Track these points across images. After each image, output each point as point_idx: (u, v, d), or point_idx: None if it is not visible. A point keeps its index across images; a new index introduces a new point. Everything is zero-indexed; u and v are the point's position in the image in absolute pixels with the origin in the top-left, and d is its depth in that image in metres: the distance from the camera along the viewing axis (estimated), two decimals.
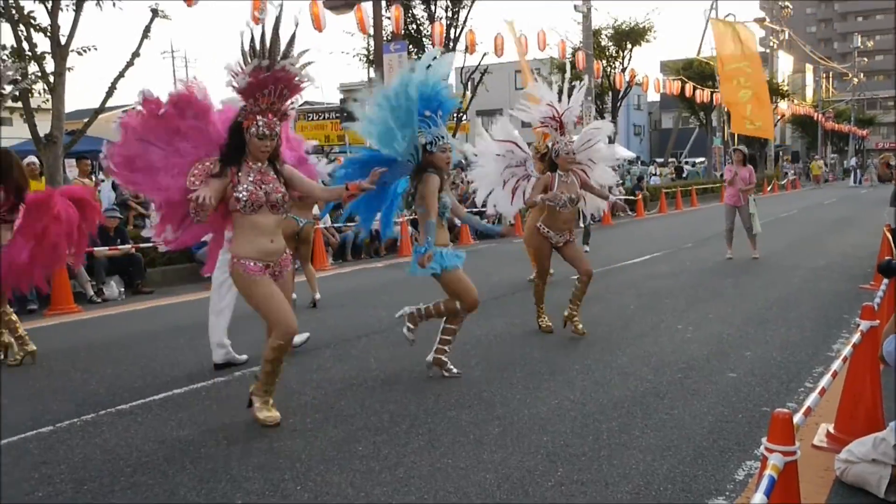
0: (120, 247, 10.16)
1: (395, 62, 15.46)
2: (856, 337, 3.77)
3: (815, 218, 20.04)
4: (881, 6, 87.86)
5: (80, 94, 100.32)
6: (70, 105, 11.72)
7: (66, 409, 4.87)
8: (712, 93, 31.33)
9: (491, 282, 9.59)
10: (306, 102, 25.46)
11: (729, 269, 10.64)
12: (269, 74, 3.98)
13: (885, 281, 5.20)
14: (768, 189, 35.80)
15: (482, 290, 7.78)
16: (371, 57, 20.16)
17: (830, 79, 63.48)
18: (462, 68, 22.31)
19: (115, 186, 11.85)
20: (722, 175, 21.20)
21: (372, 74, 20.60)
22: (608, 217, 19.58)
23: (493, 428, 4.27)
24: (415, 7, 21.59)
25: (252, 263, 4.15)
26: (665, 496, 3.39)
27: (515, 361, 5.74)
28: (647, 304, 8.01)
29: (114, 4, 12.00)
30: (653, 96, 49.10)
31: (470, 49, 18.99)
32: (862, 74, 63.67)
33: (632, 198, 20.77)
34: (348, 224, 13.65)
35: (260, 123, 4.04)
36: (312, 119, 26.33)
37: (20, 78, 10.68)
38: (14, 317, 6.28)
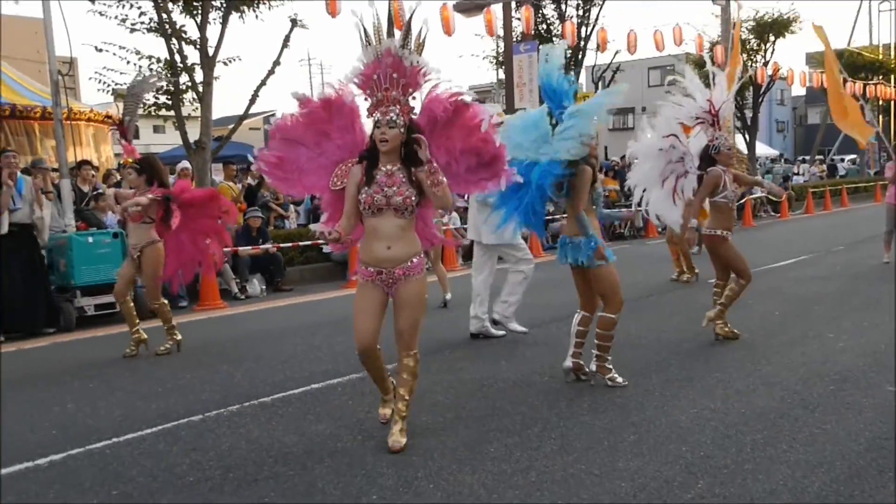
0: (262, 246, 10.67)
1: (525, 63, 15.37)
2: None
3: None
4: None
5: (224, 102, 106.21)
6: (215, 113, 12.39)
7: (214, 399, 5.14)
8: (864, 85, 29.26)
9: (625, 283, 9.28)
10: None
11: (887, 274, 9.85)
12: (378, 62, 3.92)
13: None
14: None
15: None
16: (500, 59, 20.20)
17: None
18: (593, 67, 21.95)
19: (257, 188, 12.43)
20: (877, 173, 19.71)
21: (501, 76, 20.65)
22: (749, 217, 18.70)
23: (628, 435, 4.15)
24: (545, 7, 21.41)
25: (364, 268, 4.06)
26: None
27: (650, 367, 5.55)
28: (794, 311, 7.55)
29: (256, 16, 12.56)
30: (797, 90, 46.33)
31: (601, 47, 18.66)
32: None
33: (775, 198, 19.69)
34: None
35: (378, 112, 3.95)
36: None
37: (164, 84, 11.46)
38: (168, 308, 6.77)
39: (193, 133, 11.96)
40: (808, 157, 38.18)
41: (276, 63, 12.33)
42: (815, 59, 40.08)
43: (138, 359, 6.50)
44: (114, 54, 11.66)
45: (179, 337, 6.75)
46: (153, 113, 12.52)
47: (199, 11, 11.68)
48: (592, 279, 5.07)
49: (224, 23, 11.94)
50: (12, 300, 7.85)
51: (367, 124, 4.15)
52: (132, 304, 6.66)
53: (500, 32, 17.67)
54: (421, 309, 4.13)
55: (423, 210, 4.16)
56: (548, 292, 8.31)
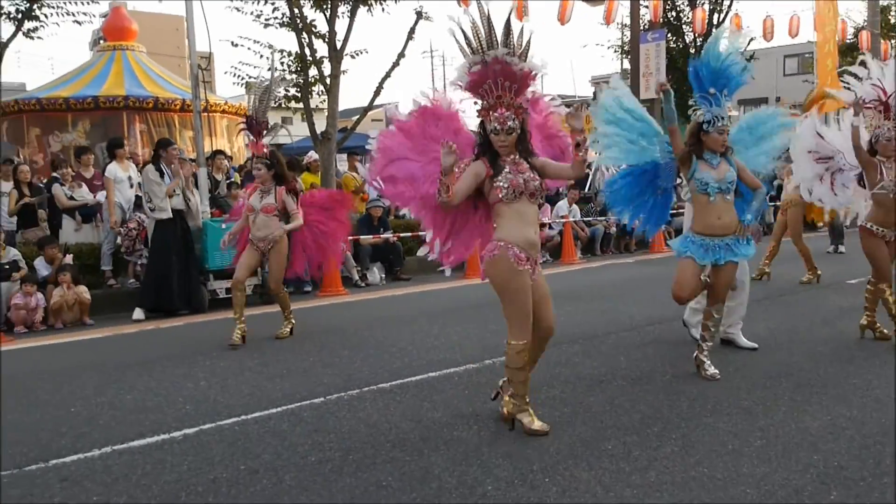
0: (382, 235, 10.90)
1: (653, 51, 14.96)
2: None
3: None
4: None
5: (348, 93, 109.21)
6: (339, 104, 12.69)
7: (336, 383, 5.30)
8: None
9: (754, 283, 8.87)
10: (558, 95, 25.43)
11: None
12: (485, 69, 3.93)
13: None
14: None
15: None
16: (626, 47, 19.73)
17: None
18: None
19: None
20: None
21: (626, 65, 20.16)
22: None
23: (754, 440, 3.97)
24: None
25: (519, 250, 3.99)
26: None
27: (780, 371, 5.28)
28: None
29: (383, 10, 12.76)
30: None
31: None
32: None
33: None
34: (598, 218, 13.50)
35: (491, 119, 4.00)
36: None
37: (293, 78, 11.90)
38: (287, 296, 7.09)
39: (319, 125, 12.33)
40: None
41: (401, 55, 12.50)
42: None
43: (264, 341, 6.77)
44: (248, 49, 12.17)
45: (294, 322, 7.03)
46: (283, 105, 13.00)
47: (329, 6, 12.01)
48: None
49: (352, 16, 12.22)
50: (169, 281, 8.39)
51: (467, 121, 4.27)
52: (245, 296, 6.89)
53: (626, 21, 17.23)
54: None
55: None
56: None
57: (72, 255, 8.83)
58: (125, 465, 3.90)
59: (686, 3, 20.42)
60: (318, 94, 12.75)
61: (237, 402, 4.91)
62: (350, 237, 9.41)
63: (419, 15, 12.57)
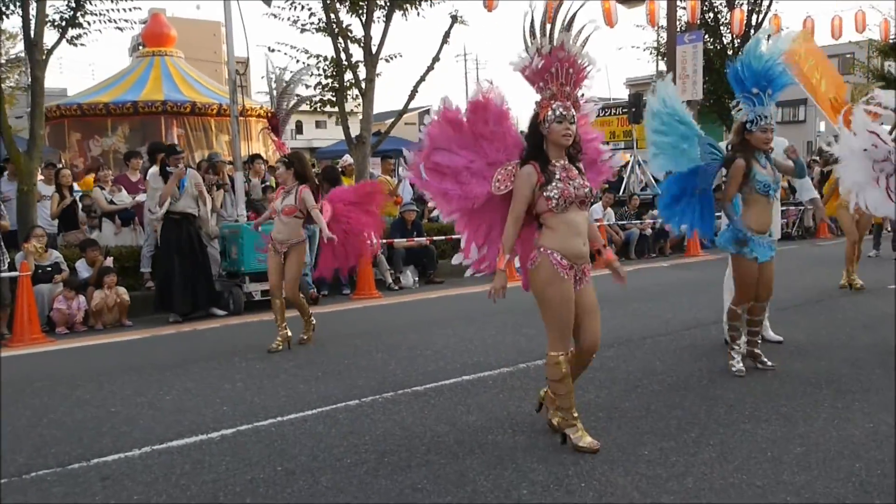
0: (416, 239, 10.93)
1: (690, 53, 14.81)
2: None
3: None
4: None
5: (382, 97, 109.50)
6: (374, 108, 12.76)
7: (370, 385, 5.32)
8: None
9: (794, 287, 8.77)
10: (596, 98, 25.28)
11: None
12: (551, 55, 3.84)
13: None
14: None
15: (782, 295, 7.20)
16: (662, 49, 19.54)
17: None
18: None
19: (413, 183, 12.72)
20: None
21: (661, 67, 19.97)
22: None
23: (794, 447, 3.90)
24: None
25: (560, 257, 3.86)
26: None
27: (820, 377, 5.19)
28: None
29: (418, 14, 12.82)
30: None
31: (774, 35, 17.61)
32: None
33: None
34: (633, 221, 13.40)
35: (555, 105, 3.85)
36: (599, 115, 26.08)
37: (323, 78, 11.94)
38: (305, 302, 7.01)
39: (353, 128, 12.41)
40: None
41: (436, 59, 12.55)
42: None
43: (297, 343, 6.80)
44: (285, 54, 12.30)
45: (314, 323, 6.96)
46: (318, 109, 13.11)
47: (365, 10, 12.10)
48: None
49: (388, 21, 12.30)
50: (170, 280, 8.49)
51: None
52: (283, 301, 6.75)
53: (663, 22, 17.08)
54: None
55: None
56: (710, 292, 7.98)
57: (112, 258, 8.99)
58: (164, 464, 3.96)
59: (724, 3, 20.18)
60: (352, 97, 12.84)
61: (273, 404, 4.95)
62: (384, 241, 9.45)
63: (454, 19, 12.61)
